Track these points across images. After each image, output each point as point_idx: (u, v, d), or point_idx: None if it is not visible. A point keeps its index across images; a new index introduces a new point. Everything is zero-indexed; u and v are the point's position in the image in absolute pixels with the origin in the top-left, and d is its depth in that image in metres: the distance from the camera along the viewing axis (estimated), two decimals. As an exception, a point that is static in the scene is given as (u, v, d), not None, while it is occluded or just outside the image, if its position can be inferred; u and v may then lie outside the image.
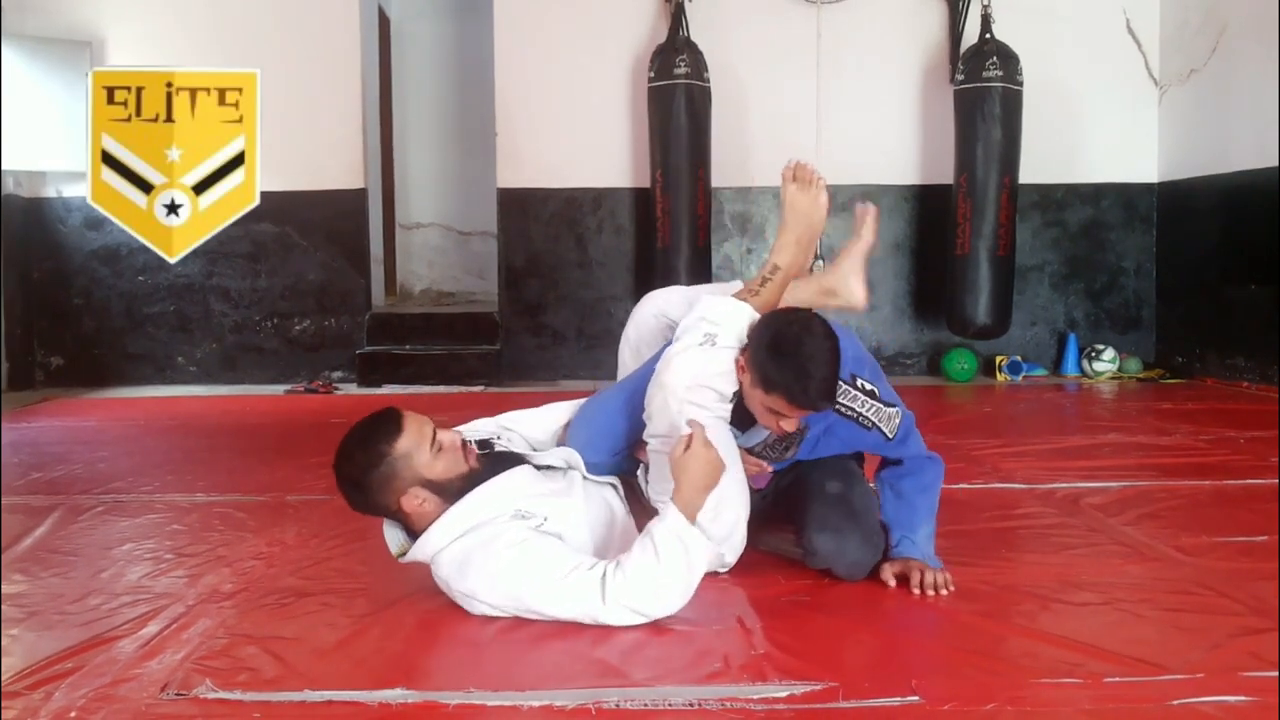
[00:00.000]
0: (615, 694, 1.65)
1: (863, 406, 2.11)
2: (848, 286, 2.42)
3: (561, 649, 1.83)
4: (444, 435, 1.96)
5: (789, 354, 1.95)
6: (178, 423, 4.69)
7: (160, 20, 5.95)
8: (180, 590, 2.21)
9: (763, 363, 1.98)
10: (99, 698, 1.66)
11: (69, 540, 2.65)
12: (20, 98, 5.62)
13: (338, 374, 6.00)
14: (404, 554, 2.00)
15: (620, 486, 2.20)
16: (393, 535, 2.03)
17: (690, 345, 2.05)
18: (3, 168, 5.53)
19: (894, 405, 2.16)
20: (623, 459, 2.24)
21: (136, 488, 3.23)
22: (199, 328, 6.06)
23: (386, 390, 5.68)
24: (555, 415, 2.39)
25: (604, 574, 1.86)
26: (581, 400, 2.43)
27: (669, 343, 2.20)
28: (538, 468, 2.11)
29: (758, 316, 2.10)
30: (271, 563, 2.41)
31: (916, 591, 2.00)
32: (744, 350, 2.05)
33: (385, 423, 1.94)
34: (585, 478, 2.15)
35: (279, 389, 5.80)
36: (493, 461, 2.03)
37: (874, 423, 2.13)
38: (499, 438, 2.21)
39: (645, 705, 1.61)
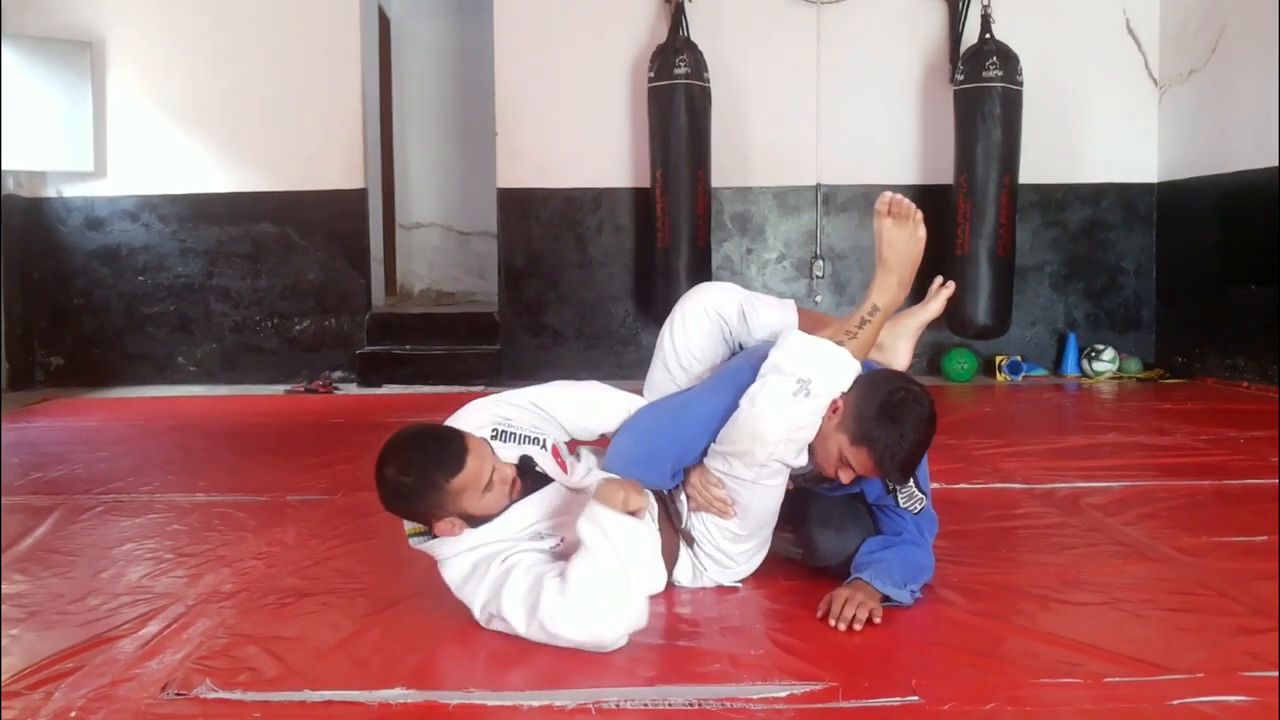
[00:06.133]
0: (615, 694, 1.65)
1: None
2: (895, 347, 2.37)
3: (561, 649, 1.82)
4: (499, 473, 1.90)
5: (895, 419, 1.89)
6: (178, 423, 4.69)
7: (160, 20, 5.95)
8: (180, 590, 2.21)
9: (865, 416, 1.91)
10: (99, 698, 1.66)
11: (69, 540, 2.65)
12: (20, 98, 5.62)
13: (338, 374, 5.99)
14: (415, 535, 1.98)
15: (655, 502, 2.13)
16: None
17: (784, 393, 1.93)
18: (3, 168, 5.54)
19: (923, 495, 2.10)
20: (675, 480, 2.16)
21: (136, 488, 3.23)
22: (199, 328, 6.06)
23: (386, 390, 5.68)
24: (600, 418, 2.28)
25: (553, 583, 1.81)
26: (627, 395, 2.32)
27: (735, 358, 2.16)
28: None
29: (857, 366, 2.01)
30: (271, 563, 2.41)
31: (832, 622, 1.91)
32: (845, 394, 1.97)
33: (448, 454, 1.85)
34: None
35: (279, 389, 5.80)
36: (529, 480, 1.99)
37: (894, 489, 2.07)
38: (538, 442, 2.10)
39: (645, 705, 1.62)
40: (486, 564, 1.89)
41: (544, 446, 2.09)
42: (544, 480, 2.03)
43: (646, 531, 1.90)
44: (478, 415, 2.12)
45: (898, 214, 2.13)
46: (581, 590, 1.78)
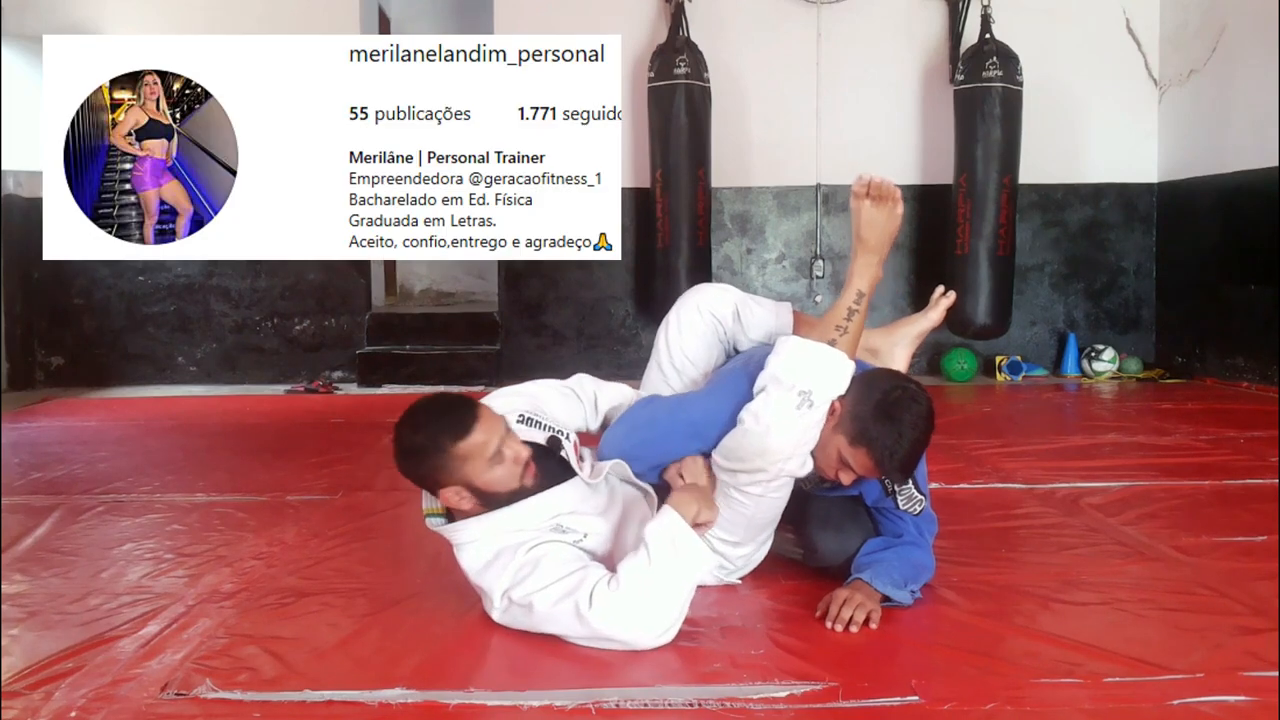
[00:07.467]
0: (615, 694, 1.65)
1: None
2: (893, 355, 2.37)
3: (561, 649, 1.82)
4: (509, 449, 1.89)
5: (893, 417, 1.88)
6: (178, 423, 4.69)
7: (160, 21, 5.96)
8: (180, 590, 2.21)
9: (863, 416, 1.90)
10: (99, 698, 1.66)
11: (69, 540, 2.65)
12: (20, 98, 5.62)
13: (338, 374, 6.00)
14: (432, 515, 1.98)
15: (655, 497, 2.13)
16: (429, 497, 1.99)
17: (788, 407, 1.92)
18: (3, 168, 5.54)
19: (923, 496, 2.08)
20: (656, 475, 2.18)
21: (136, 488, 3.23)
22: (199, 328, 6.06)
23: (386, 390, 5.68)
24: (597, 406, 2.35)
25: (601, 578, 1.84)
26: (618, 385, 2.36)
27: (731, 362, 2.16)
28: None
29: (853, 367, 2.01)
30: (271, 563, 2.41)
31: (828, 624, 1.91)
32: (842, 397, 1.96)
33: (458, 417, 1.86)
34: (624, 480, 2.12)
35: (279, 389, 5.80)
36: (549, 471, 1.99)
37: (893, 491, 2.06)
38: (563, 433, 2.12)
39: (645, 705, 1.62)
40: (512, 552, 1.88)
41: (568, 438, 2.12)
42: (562, 475, 2.02)
43: (705, 550, 1.94)
44: (502, 403, 2.15)
45: (877, 195, 2.12)
46: (634, 589, 1.80)
